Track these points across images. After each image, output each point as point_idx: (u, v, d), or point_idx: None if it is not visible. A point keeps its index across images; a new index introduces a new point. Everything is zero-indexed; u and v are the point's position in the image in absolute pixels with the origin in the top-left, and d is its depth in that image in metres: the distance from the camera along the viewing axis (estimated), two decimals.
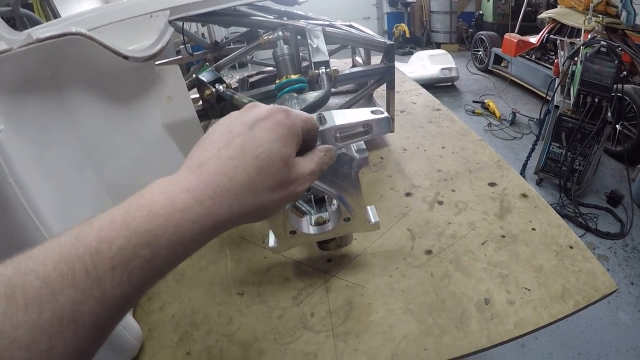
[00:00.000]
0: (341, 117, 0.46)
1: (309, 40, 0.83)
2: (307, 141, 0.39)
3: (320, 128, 0.45)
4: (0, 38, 0.62)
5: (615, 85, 2.30)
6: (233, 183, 0.31)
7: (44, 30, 0.49)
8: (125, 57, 0.61)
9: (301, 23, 0.92)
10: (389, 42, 0.90)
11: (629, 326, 1.72)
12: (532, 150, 2.85)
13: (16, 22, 0.93)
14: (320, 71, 0.75)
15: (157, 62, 0.69)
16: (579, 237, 2.09)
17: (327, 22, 1.06)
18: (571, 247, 0.70)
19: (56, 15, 1.06)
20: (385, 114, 0.45)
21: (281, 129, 0.34)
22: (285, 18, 1.06)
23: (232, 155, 0.32)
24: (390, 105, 1.00)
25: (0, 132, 0.43)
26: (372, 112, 0.46)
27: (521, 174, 2.82)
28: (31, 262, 0.24)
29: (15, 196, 0.43)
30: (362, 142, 0.50)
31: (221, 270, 0.73)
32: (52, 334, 0.22)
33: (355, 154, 0.50)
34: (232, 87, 0.87)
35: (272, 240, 0.62)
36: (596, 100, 2.30)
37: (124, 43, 0.64)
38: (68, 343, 0.23)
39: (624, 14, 3.19)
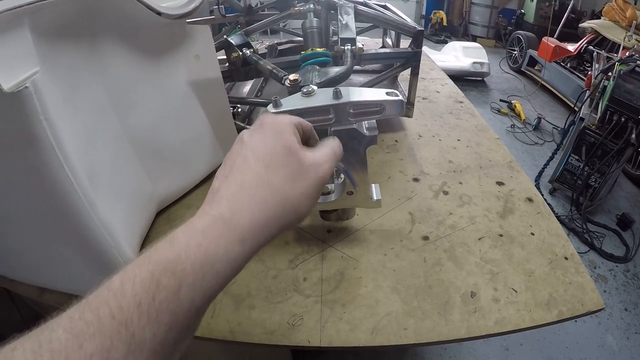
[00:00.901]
0: (357, 94, 0.47)
1: (339, 16, 0.83)
2: (307, 138, 0.40)
3: (335, 102, 0.46)
4: None
5: None
6: (246, 187, 0.31)
7: None
8: (159, 13, 0.62)
9: None
10: (419, 28, 0.89)
11: (615, 351, 1.72)
12: (551, 158, 2.80)
13: None
14: (345, 47, 0.76)
15: (188, 21, 0.71)
16: (583, 253, 2.09)
17: (362, 0, 1.05)
18: (566, 258, 0.70)
19: None
20: (399, 97, 0.47)
21: (270, 127, 0.35)
22: None
23: (238, 168, 0.33)
24: (412, 90, 1.00)
25: (36, 73, 0.45)
26: (387, 93, 0.47)
27: (536, 180, 2.79)
28: (58, 317, 0.23)
29: (44, 133, 0.46)
30: (374, 121, 0.52)
31: None
32: None
33: (365, 132, 0.51)
34: (260, 52, 0.88)
35: None
36: (623, 119, 2.23)
37: None
38: None
39: None
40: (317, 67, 0.68)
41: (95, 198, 0.54)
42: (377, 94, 0.48)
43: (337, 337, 0.56)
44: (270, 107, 0.49)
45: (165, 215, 0.81)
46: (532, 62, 4.82)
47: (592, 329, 1.80)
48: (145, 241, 0.74)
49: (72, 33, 0.56)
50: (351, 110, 0.48)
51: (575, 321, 1.80)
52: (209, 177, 0.89)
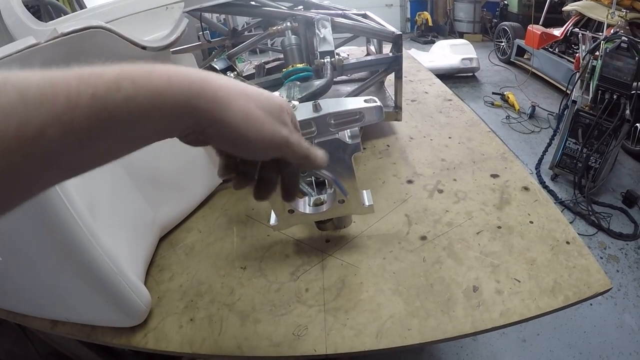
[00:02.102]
0: (336, 105, 0.49)
1: (317, 30, 0.86)
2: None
3: (316, 115, 0.48)
4: (27, 30, 0.68)
5: (635, 83, 2.23)
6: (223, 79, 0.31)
7: (67, 24, 0.54)
8: (143, 48, 0.65)
9: (311, 13, 0.95)
10: (397, 33, 0.91)
11: (634, 330, 1.70)
12: (549, 145, 2.80)
13: (41, 11, 0.97)
14: (325, 60, 0.78)
15: (175, 49, 0.73)
16: (591, 235, 2.08)
17: (340, 12, 1.08)
18: (568, 243, 0.70)
19: (81, 3, 1.10)
20: (377, 103, 0.48)
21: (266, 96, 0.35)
22: (301, 7, 1.08)
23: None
24: (398, 93, 1.02)
25: None
26: (365, 100, 0.49)
27: (536, 168, 2.78)
28: None
29: None
30: (357, 128, 0.53)
31: (227, 246, 0.78)
32: None
33: (348, 140, 0.53)
34: (249, 73, 0.90)
35: (273, 219, 0.66)
36: (615, 97, 2.24)
37: (141, 34, 0.68)
38: None
39: None
40: (298, 83, 0.70)
41: (98, 230, 0.56)
42: (355, 103, 0.50)
43: (342, 344, 0.56)
44: None
45: (168, 240, 0.82)
46: (521, 51, 4.85)
47: (609, 311, 1.79)
48: (150, 267, 0.75)
49: None
50: (332, 121, 0.50)
51: (591, 304, 1.78)
52: (207, 200, 0.91)
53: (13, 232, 0.55)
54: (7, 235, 0.56)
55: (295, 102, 0.53)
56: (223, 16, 1.38)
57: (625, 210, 2.36)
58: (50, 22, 0.79)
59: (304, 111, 0.50)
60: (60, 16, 1.03)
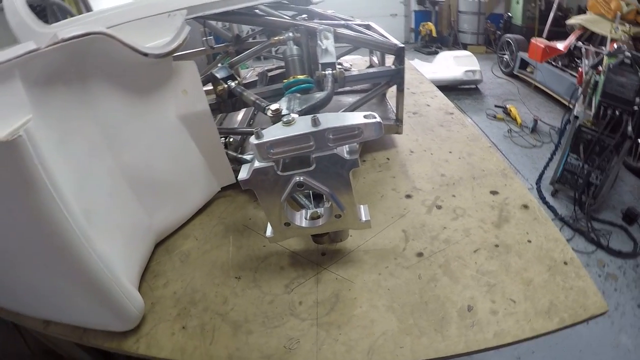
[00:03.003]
0: (335, 120, 0.49)
1: (319, 42, 0.86)
2: None
3: (314, 129, 0.48)
4: (30, 32, 0.68)
5: (638, 99, 2.23)
6: None
7: (69, 29, 0.54)
8: (144, 54, 0.65)
9: (314, 24, 0.95)
10: (400, 46, 0.92)
11: (630, 350, 1.69)
12: (550, 160, 2.80)
13: (47, 12, 0.97)
14: (326, 72, 0.78)
15: (177, 54, 0.73)
16: (590, 253, 2.07)
17: (343, 22, 1.08)
18: (565, 263, 0.70)
19: (87, 4, 1.11)
20: (377, 119, 0.48)
21: None
22: (305, 16, 1.09)
23: None
24: (399, 106, 1.02)
25: (29, 120, 0.48)
26: (365, 116, 0.49)
27: (537, 183, 2.78)
28: None
29: (40, 177, 0.48)
30: (355, 144, 0.53)
31: (223, 255, 0.77)
32: None
33: (346, 156, 0.53)
34: (252, 80, 0.91)
35: (269, 230, 0.66)
36: (617, 113, 2.25)
37: (143, 40, 0.68)
38: None
39: None
40: (298, 95, 0.70)
41: (93, 234, 0.56)
42: (355, 118, 0.50)
43: (333, 359, 0.56)
44: (252, 139, 0.51)
45: (164, 246, 0.82)
46: (524, 64, 4.87)
47: (606, 330, 1.77)
48: (145, 272, 0.75)
49: (63, 79, 0.59)
50: (330, 136, 0.50)
51: (587, 323, 1.77)
52: (205, 207, 0.91)
53: (7, 234, 0.55)
54: (0, 235, 0.56)
55: (295, 115, 0.53)
56: (227, 23, 1.38)
57: (625, 227, 2.35)
58: (53, 25, 0.80)
59: (303, 125, 0.50)
60: (66, 17, 1.04)
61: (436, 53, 5.91)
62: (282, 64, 1.41)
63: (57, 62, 0.56)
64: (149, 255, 0.78)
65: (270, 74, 1.27)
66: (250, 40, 1.41)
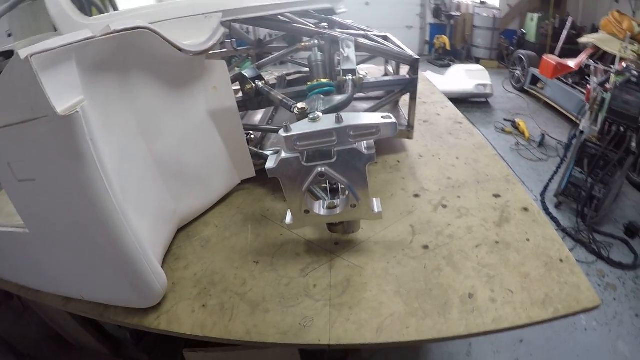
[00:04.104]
0: (356, 118, 0.55)
1: (341, 49, 0.93)
2: None
3: (337, 126, 0.54)
4: (71, 22, 0.74)
5: None
6: None
7: (117, 22, 0.60)
8: (180, 50, 0.72)
9: (336, 32, 1.02)
10: (415, 57, 0.98)
11: (627, 356, 1.72)
12: (555, 172, 2.84)
13: (83, 3, 1.04)
14: (347, 78, 0.85)
15: (208, 54, 0.80)
16: (590, 263, 2.09)
17: (363, 32, 1.15)
18: (561, 261, 0.75)
19: (113, 4, 1.18)
20: (392, 120, 0.55)
21: None
22: (325, 24, 1.15)
23: None
24: (411, 114, 1.08)
25: (83, 101, 0.54)
26: (382, 117, 0.55)
27: (541, 195, 2.82)
28: None
29: (89, 152, 0.54)
30: (372, 141, 0.59)
31: (242, 241, 0.84)
32: None
33: (364, 150, 0.59)
34: (270, 83, 0.98)
35: (288, 218, 0.72)
36: (622, 129, 2.30)
37: (181, 38, 0.75)
38: None
39: None
40: (322, 97, 0.76)
41: (127, 210, 0.61)
42: (373, 118, 0.56)
43: (344, 336, 0.62)
44: (282, 132, 0.57)
45: (185, 232, 0.88)
46: (535, 80, 4.91)
47: (603, 337, 1.80)
48: (167, 255, 0.81)
49: (109, 67, 0.66)
50: (351, 133, 0.56)
51: (585, 329, 1.81)
52: (225, 198, 0.97)
53: (46, 205, 0.60)
54: (40, 207, 0.61)
55: (319, 114, 0.59)
56: (246, 27, 1.46)
57: (626, 241, 2.38)
58: (95, 17, 0.86)
59: (327, 122, 0.57)
60: (94, 13, 1.11)
61: (449, 66, 5.96)
62: (300, 69, 1.49)
63: (106, 51, 0.62)
64: (172, 238, 0.84)
65: (288, 78, 1.34)
66: (271, 45, 1.49)
